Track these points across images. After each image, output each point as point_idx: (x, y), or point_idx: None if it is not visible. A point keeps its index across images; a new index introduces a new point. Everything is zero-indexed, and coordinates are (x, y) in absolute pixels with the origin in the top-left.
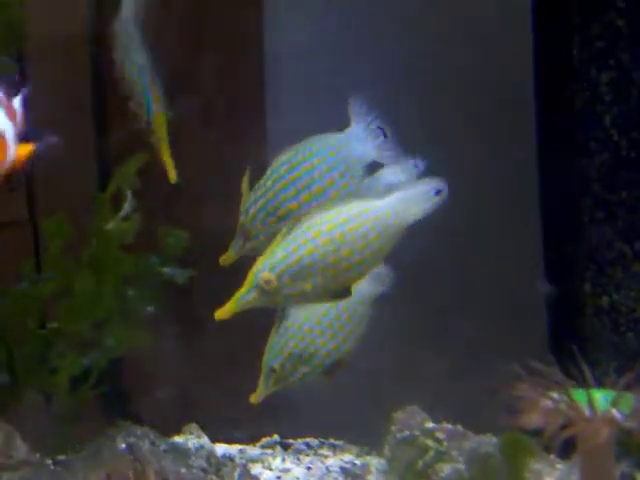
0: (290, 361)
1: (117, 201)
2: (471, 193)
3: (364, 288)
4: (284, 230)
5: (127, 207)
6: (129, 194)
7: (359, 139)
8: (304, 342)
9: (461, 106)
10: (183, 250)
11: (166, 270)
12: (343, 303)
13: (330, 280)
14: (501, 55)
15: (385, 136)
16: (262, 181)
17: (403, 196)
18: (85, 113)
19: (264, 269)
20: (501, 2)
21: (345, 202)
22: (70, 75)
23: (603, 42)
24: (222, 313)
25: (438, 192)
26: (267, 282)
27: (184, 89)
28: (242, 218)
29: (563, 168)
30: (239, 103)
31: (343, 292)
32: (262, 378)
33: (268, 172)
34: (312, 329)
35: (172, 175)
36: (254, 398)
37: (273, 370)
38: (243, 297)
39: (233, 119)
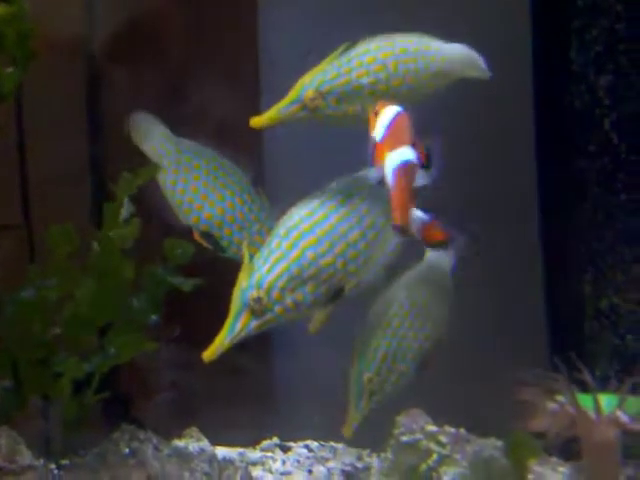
0: (386, 364)
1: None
2: (469, 195)
3: (442, 260)
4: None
5: (125, 212)
6: (126, 199)
7: None
8: (397, 337)
9: (459, 108)
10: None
11: (172, 279)
12: (427, 283)
13: (322, 285)
14: (500, 59)
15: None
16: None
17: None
18: (80, 121)
19: (250, 288)
20: (500, 5)
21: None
22: (67, 83)
23: (601, 46)
24: (211, 353)
25: (377, 178)
26: (256, 300)
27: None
28: None
29: (562, 171)
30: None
31: (335, 294)
32: (352, 400)
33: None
34: (402, 322)
35: None
36: (347, 430)
37: (369, 381)
38: (232, 329)
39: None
